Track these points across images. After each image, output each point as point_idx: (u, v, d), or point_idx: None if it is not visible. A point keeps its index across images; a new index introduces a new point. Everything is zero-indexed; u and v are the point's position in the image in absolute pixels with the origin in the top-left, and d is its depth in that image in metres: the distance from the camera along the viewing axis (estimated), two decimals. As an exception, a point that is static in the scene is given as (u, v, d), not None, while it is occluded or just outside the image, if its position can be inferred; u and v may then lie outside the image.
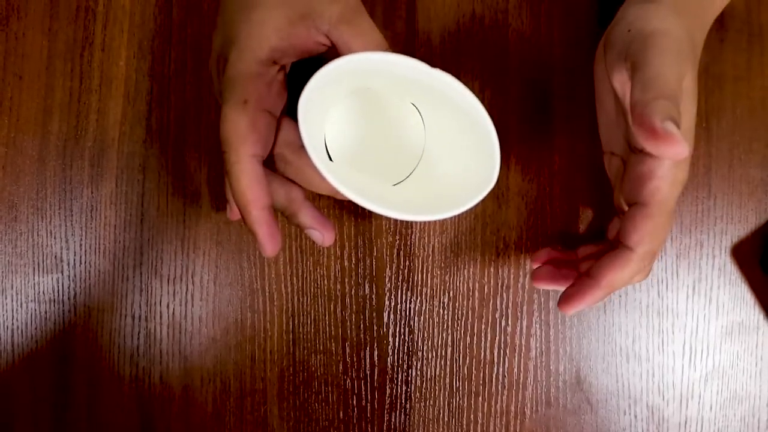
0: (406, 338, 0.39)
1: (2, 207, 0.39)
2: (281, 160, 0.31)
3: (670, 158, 0.28)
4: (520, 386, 0.39)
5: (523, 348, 0.39)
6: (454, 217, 0.39)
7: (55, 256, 0.39)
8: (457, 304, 0.39)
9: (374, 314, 0.39)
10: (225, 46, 0.30)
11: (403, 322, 0.39)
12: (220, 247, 0.39)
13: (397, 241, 0.39)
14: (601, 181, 0.38)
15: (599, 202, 0.39)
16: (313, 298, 0.39)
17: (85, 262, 0.39)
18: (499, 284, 0.39)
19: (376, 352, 0.39)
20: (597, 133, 0.37)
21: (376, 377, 0.39)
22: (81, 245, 0.39)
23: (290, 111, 0.31)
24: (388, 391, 0.39)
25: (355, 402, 0.39)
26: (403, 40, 0.40)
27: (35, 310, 0.39)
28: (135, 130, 0.39)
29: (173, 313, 0.39)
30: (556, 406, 0.39)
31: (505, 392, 0.39)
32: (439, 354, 0.39)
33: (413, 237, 0.39)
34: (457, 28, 0.40)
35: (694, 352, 0.39)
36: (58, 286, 0.39)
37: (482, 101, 0.39)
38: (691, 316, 0.39)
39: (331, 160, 0.33)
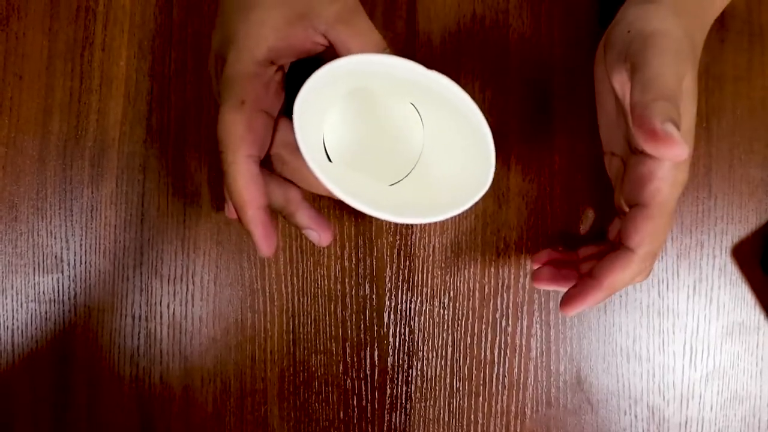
0: (407, 338, 0.39)
1: (2, 207, 0.39)
2: (279, 160, 0.31)
3: (669, 160, 0.28)
4: (521, 386, 0.39)
5: (524, 348, 0.39)
6: (454, 217, 0.39)
7: (56, 256, 0.39)
8: (457, 305, 0.39)
9: (374, 314, 0.39)
10: (223, 46, 0.30)
11: (403, 322, 0.39)
12: (221, 247, 0.39)
13: (398, 241, 0.39)
14: (602, 181, 0.38)
15: (600, 203, 0.39)
16: (314, 298, 0.39)
17: (86, 262, 0.39)
18: (500, 284, 0.39)
19: (376, 353, 0.39)
20: (597, 133, 0.37)
21: (376, 377, 0.39)
22: (81, 245, 0.39)
23: (288, 111, 0.31)
24: (388, 391, 0.39)
25: (355, 402, 0.39)
26: (404, 41, 0.40)
27: (35, 310, 0.39)
28: (135, 130, 0.39)
29: (173, 313, 0.39)
30: (557, 406, 0.39)
31: (506, 392, 0.39)
32: (439, 354, 0.39)
33: (414, 237, 0.39)
34: (458, 29, 0.40)
35: (694, 353, 0.39)
36: (58, 286, 0.39)
37: (483, 101, 0.40)
38: (691, 316, 0.39)
39: (330, 160, 0.33)
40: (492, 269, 0.39)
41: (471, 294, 0.39)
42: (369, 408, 0.39)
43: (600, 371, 0.39)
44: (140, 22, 0.40)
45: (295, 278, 0.39)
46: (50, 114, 0.39)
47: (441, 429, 0.39)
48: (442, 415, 0.39)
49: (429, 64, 0.28)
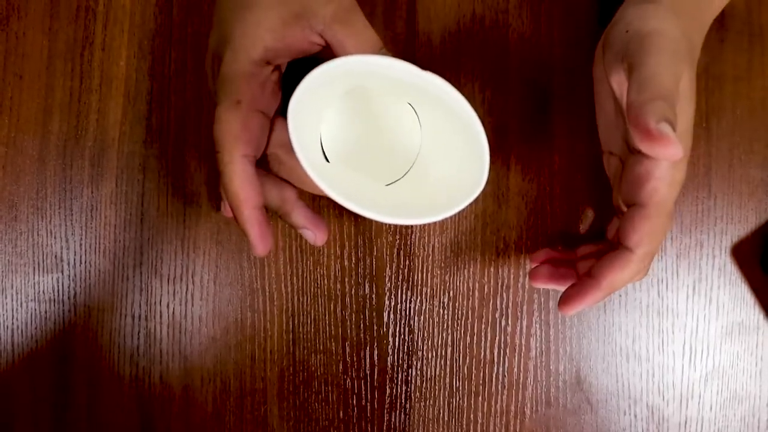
0: (406, 338, 0.39)
1: (2, 206, 0.39)
2: (275, 160, 0.31)
3: (664, 159, 0.28)
4: (520, 386, 0.39)
5: (523, 348, 0.39)
6: (454, 216, 0.39)
7: (55, 256, 0.39)
8: (457, 304, 0.39)
9: (374, 314, 0.39)
10: (220, 46, 0.30)
11: (403, 321, 0.39)
12: (220, 246, 0.39)
13: (397, 241, 0.39)
14: (602, 181, 0.38)
15: (599, 202, 0.39)
16: (313, 297, 0.39)
17: (85, 262, 0.39)
18: (499, 284, 0.39)
19: (376, 352, 0.39)
20: (597, 133, 0.37)
21: (376, 377, 0.39)
22: (81, 245, 0.39)
23: (284, 111, 0.31)
24: (388, 390, 0.39)
25: (355, 402, 0.39)
26: (404, 41, 0.40)
27: (35, 309, 0.39)
28: (135, 130, 0.39)
29: (173, 313, 0.39)
30: (556, 406, 0.39)
31: (505, 392, 0.39)
32: (439, 354, 0.39)
33: (413, 236, 0.39)
34: (458, 29, 0.40)
35: (694, 352, 0.39)
36: (58, 286, 0.39)
37: (482, 101, 0.40)
38: (691, 316, 0.39)
39: (327, 160, 0.34)
40: (491, 269, 0.39)
41: (470, 293, 0.39)
42: (369, 407, 0.39)
43: (599, 371, 0.39)
44: (140, 22, 0.40)
45: (294, 278, 0.39)
46: (50, 114, 0.39)
47: (440, 428, 0.39)
48: (441, 414, 0.39)
49: (429, 64, 0.29)
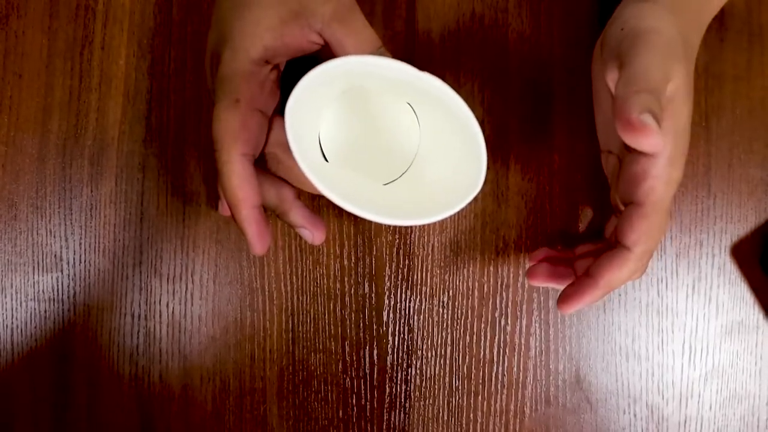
0: (406, 337, 0.39)
1: (2, 206, 0.39)
2: (273, 159, 0.31)
3: (645, 150, 0.28)
4: (520, 385, 0.39)
5: (523, 347, 0.39)
6: (453, 216, 0.39)
7: (55, 255, 0.39)
8: (456, 303, 0.39)
9: (374, 313, 0.39)
10: (218, 45, 0.30)
11: (402, 320, 0.39)
12: (220, 245, 0.39)
13: (397, 240, 0.39)
14: (601, 180, 0.38)
15: (599, 201, 0.39)
16: (313, 296, 0.39)
17: (85, 261, 0.39)
18: (499, 283, 0.39)
19: (375, 351, 0.39)
20: (596, 132, 0.37)
21: (375, 376, 0.39)
22: (80, 244, 0.39)
23: (283, 110, 0.31)
24: (387, 390, 0.39)
25: (354, 401, 0.39)
26: (403, 40, 0.40)
27: (35, 308, 0.39)
28: (135, 129, 0.39)
29: (173, 312, 0.39)
30: (556, 405, 0.39)
31: (505, 391, 0.39)
32: (438, 353, 0.39)
33: (413, 236, 0.39)
34: (457, 28, 0.40)
35: (693, 351, 0.39)
36: (57, 285, 0.39)
37: (482, 100, 0.40)
38: (690, 315, 0.39)
39: (326, 159, 0.34)
40: (491, 268, 0.39)
41: (470, 293, 0.39)
42: (368, 407, 0.39)
43: (599, 370, 0.39)
44: (140, 21, 0.40)
45: (294, 277, 0.39)
46: (50, 113, 0.39)
47: (440, 428, 0.39)
48: (441, 413, 0.39)
49: (428, 63, 0.29)
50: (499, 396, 0.39)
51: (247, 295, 0.39)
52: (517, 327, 0.39)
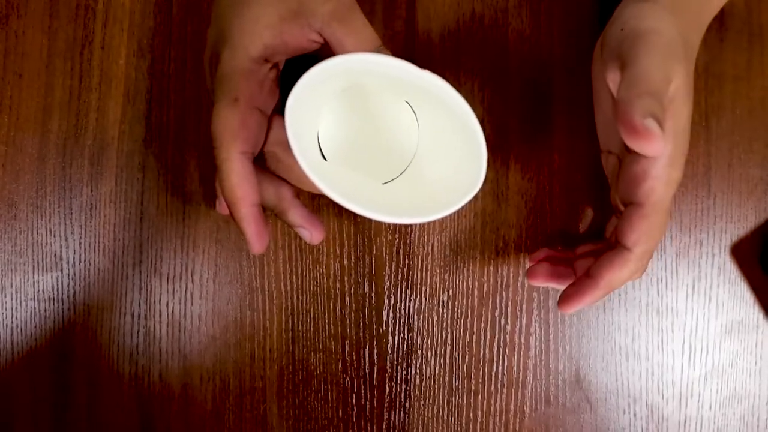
0: (406, 336, 0.39)
1: (2, 205, 0.39)
2: (272, 158, 0.31)
3: (648, 155, 0.28)
4: (520, 385, 0.39)
5: (523, 346, 0.39)
6: (453, 215, 0.39)
7: (55, 255, 0.39)
8: (456, 303, 0.39)
9: (374, 312, 0.39)
10: (218, 43, 0.30)
11: (402, 320, 0.39)
12: (220, 245, 0.39)
13: (397, 240, 0.39)
14: (601, 179, 0.38)
15: (599, 201, 0.39)
16: (313, 296, 0.39)
17: (85, 261, 0.39)
18: (499, 283, 0.39)
19: (375, 351, 0.39)
20: (596, 131, 0.37)
21: (375, 375, 0.39)
22: (80, 243, 0.39)
23: (282, 109, 0.31)
24: (387, 389, 0.39)
25: (354, 400, 0.39)
26: (403, 39, 0.40)
27: (35, 308, 0.39)
28: (135, 129, 0.39)
29: (173, 312, 0.39)
30: (556, 404, 0.39)
31: (505, 391, 0.39)
32: (438, 352, 0.39)
33: (413, 235, 0.39)
34: (457, 27, 0.40)
35: (693, 351, 0.39)
36: (57, 285, 0.39)
37: (482, 100, 0.40)
38: (690, 314, 0.39)
39: (324, 158, 0.34)
40: (491, 268, 0.39)
41: (470, 292, 0.39)
42: (368, 406, 0.39)
43: (599, 370, 0.39)
44: (140, 21, 0.40)
45: (294, 276, 0.39)
46: (50, 112, 0.39)
47: (440, 427, 0.39)
48: (441, 413, 0.39)
49: (428, 63, 0.29)
50: (498, 395, 0.39)
51: (247, 295, 0.39)
52: (517, 326, 0.39)
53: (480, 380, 0.39)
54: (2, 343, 0.39)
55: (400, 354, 0.39)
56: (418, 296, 0.39)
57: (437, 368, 0.39)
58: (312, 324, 0.39)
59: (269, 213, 0.34)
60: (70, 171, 0.39)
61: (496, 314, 0.39)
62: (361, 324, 0.39)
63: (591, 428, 0.39)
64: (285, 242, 0.39)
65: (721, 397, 0.39)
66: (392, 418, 0.39)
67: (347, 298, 0.39)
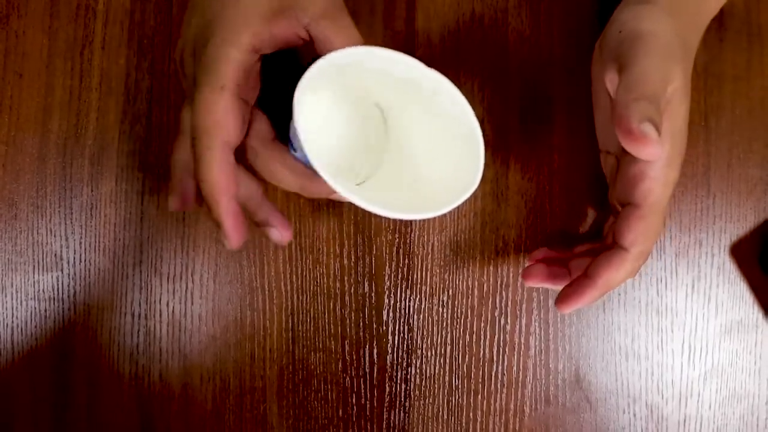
0: (406, 336, 0.39)
1: (2, 205, 0.39)
2: (252, 151, 0.30)
3: (645, 158, 0.28)
4: (519, 384, 0.39)
5: (522, 346, 0.39)
6: (454, 215, 0.39)
7: (55, 254, 0.39)
8: (456, 303, 0.39)
9: (373, 312, 0.39)
10: (205, 30, 0.30)
11: (402, 320, 0.39)
12: (220, 245, 0.39)
13: (397, 239, 0.39)
14: (601, 180, 0.38)
15: (598, 201, 0.39)
16: (313, 296, 0.39)
17: (85, 260, 0.39)
18: (499, 282, 0.39)
19: (375, 350, 0.39)
20: (595, 132, 0.37)
21: (375, 375, 0.39)
22: (81, 243, 0.39)
23: (261, 103, 0.31)
24: (387, 389, 0.39)
25: (354, 400, 0.39)
26: (403, 39, 0.40)
27: (35, 308, 0.39)
28: (135, 129, 0.39)
29: (173, 312, 0.39)
30: (555, 404, 0.39)
31: (504, 390, 0.39)
32: (438, 352, 0.39)
33: (413, 235, 0.39)
34: (457, 27, 0.40)
35: (693, 351, 0.39)
36: (57, 284, 0.39)
37: (482, 100, 0.40)
38: (690, 314, 0.39)
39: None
40: (491, 267, 0.39)
41: (470, 292, 0.39)
42: (368, 406, 0.39)
43: (599, 369, 0.39)
44: (140, 21, 0.40)
45: (294, 276, 0.39)
46: (50, 112, 0.39)
47: (440, 427, 0.39)
48: (440, 412, 0.39)
49: (428, 63, 0.29)
50: (498, 395, 0.39)
51: (247, 295, 0.39)
52: (517, 326, 0.39)
53: (480, 380, 0.39)
54: (2, 342, 0.39)
55: (400, 354, 0.39)
56: (418, 296, 0.39)
57: (437, 368, 0.39)
58: (312, 324, 0.39)
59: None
60: (71, 171, 0.39)
61: (496, 314, 0.39)
62: (361, 324, 0.39)
63: (591, 428, 0.39)
64: (285, 242, 0.39)
65: (720, 396, 0.39)
66: (392, 418, 0.39)
67: (347, 298, 0.39)
